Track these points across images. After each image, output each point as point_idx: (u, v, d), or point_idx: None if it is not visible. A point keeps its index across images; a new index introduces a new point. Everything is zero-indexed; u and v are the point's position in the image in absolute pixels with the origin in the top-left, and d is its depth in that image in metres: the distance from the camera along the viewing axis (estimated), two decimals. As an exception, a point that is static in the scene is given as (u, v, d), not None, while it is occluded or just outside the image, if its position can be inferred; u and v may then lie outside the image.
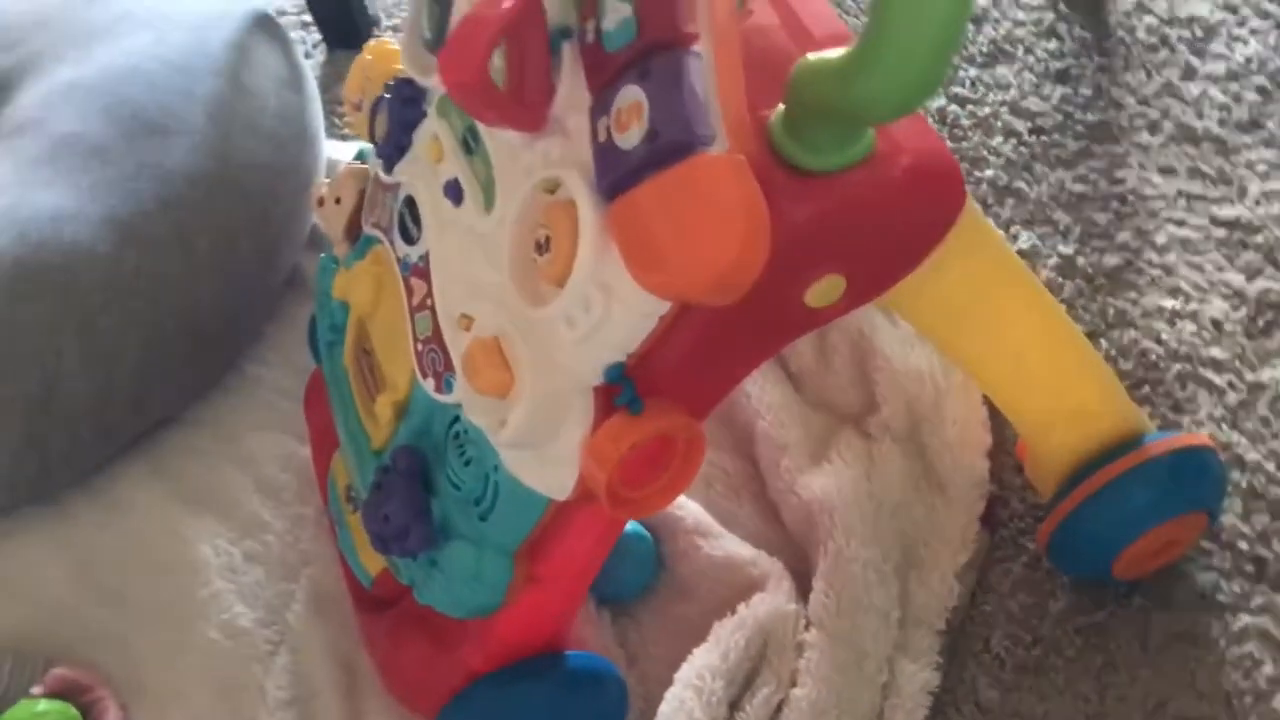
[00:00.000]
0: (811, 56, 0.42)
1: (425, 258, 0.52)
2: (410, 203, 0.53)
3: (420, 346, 0.52)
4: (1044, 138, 0.82)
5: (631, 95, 0.41)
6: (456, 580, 0.52)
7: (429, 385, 0.52)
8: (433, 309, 0.51)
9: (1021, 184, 0.80)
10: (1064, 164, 0.81)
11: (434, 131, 0.52)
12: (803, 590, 0.63)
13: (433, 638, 0.58)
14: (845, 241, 0.45)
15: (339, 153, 0.86)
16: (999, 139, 0.82)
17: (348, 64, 0.97)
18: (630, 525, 0.64)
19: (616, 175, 0.42)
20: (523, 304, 0.46)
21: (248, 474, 0.74)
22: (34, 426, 0.70)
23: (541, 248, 0.45)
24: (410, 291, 0.53)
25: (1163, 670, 0.61)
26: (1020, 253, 0.76)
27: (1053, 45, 0.87)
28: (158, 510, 0.72)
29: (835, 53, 0.40)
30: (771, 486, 0.67)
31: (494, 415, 0.48)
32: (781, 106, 0.44)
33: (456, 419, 0.52)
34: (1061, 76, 0.85)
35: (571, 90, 0.45)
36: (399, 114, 0.54)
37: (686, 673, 0.59)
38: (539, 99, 0.45)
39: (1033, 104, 0.84)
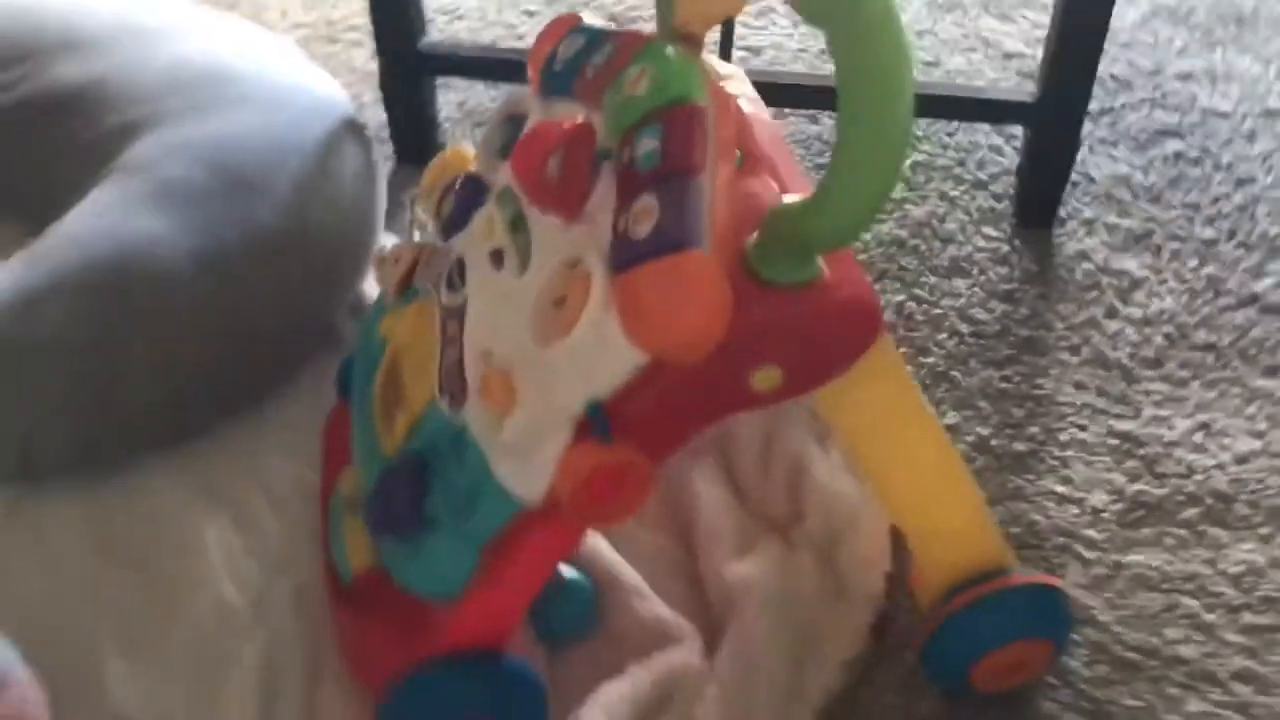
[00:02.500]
0: (784, 199, 0.57)
1: (463, 306, 0.66)
2: (460, 264, 0.67)
3: (445, 373, 0.65)
4: (982, 341, 0.97)
5: (648, 201, 0.56)
6: (432, 563, 0.64)
7: (444, 403, 0.65)
8: (460, 345, 0.65)
9: (957, 374, 0.94)
10: (994, 365, 0.95)
11: (489, 215, 0.67)
12: (710, 657, 0.74)
13: (394, 624, 0.69)
14: (786, 340, 0.59)
15: (389, 241, 1.01)
16: (944, 335, 0.97)
17: (411, 174, 1.14)
18: (575, 573, 0.75)
19: (626, 257, 0.56)
20: (535, 345, 0.60)
21: (260, 485, 0.85)
22: (90, 409, 0.83)
23: (558, 304, 0.59)
24: (445, 330, 0.66)
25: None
26: (946, 427, 0.90)
27: (1003, 270, 1.03)
28: (177, 502, 0.84)
29: (798, 198, 0.55)
30: (703, 567, 0.79)
31: (495, 427, 0.60)
32: (756, 235, 0.59)
33: (459, 436, 0.64)
34: (1006, 296, 1.01)
35: (604, 195, 0.60)
36: (465, 200, 0.69)
37: (599, 697, 0.70)
38: (579, 196, 0.60)
39: (978, 313, 0.99)
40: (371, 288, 0.98)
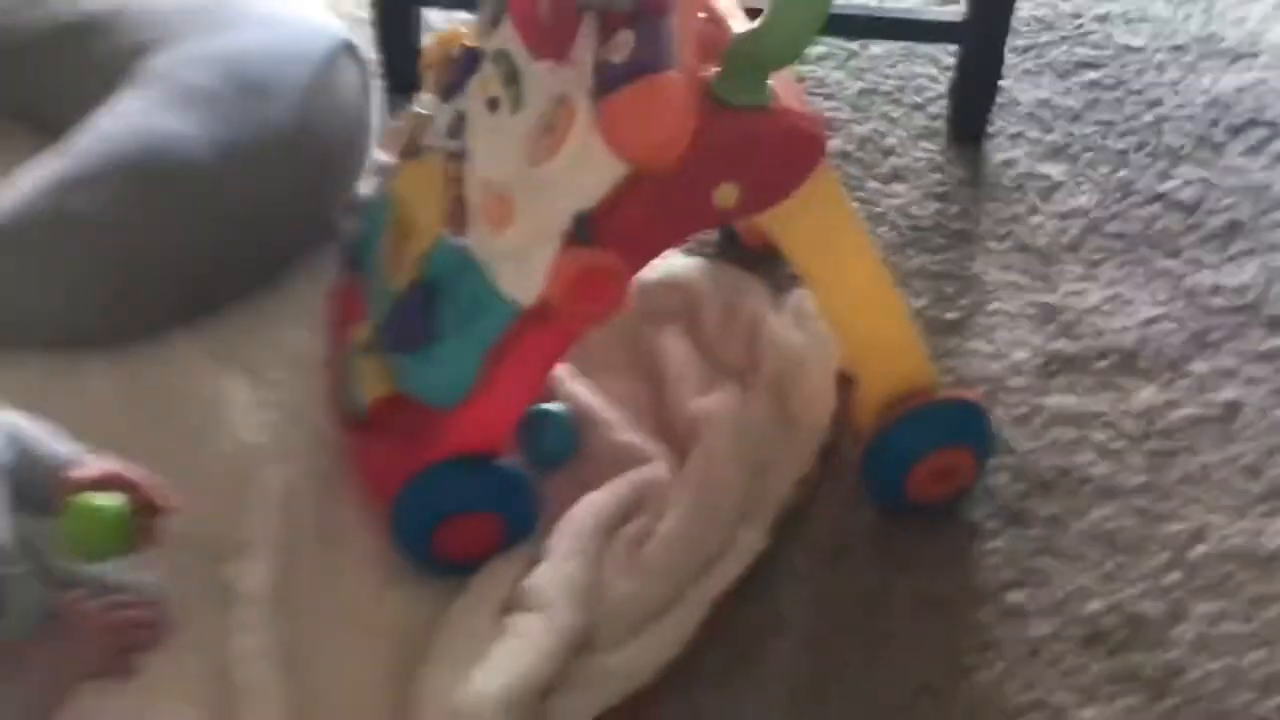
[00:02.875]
0: (743, 30, 0.68)
1: (463, 150, 0.76)
2: (459, 117, 0.78)
3: (450, 207, 0.76)
4: (918, 233, 1.08)
5: (626, 35, 0.67)
6: (440, 369, 0.74)
7: (449, 234, 0.75)
8: (462, 181, 0.75)
9: (896, 260, 1.05)
10: (929, 251, 1.07)
11: (484, 73, 0.77)
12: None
13: (403, 437, 0.79)
14: (743, 158, 0.70)
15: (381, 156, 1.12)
16: (885, 229, 1.09)
17: (397, 102, 1.23)
18: (560, 407, 0.86)
19: (607, 80, 0.67)
20: (529, 167, 0.70)
21: (274, 349, 0.94)
22: (123, 286, 0.92)
23: (548, 131, 0.70)
24: (448, 172, 0.77)
25: (936, 566, 0.82)
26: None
27: (938, 176, 1.15)
28: (200, 363, 0.93)
29: (754, 25, 0.67)
30: (669, 405, 0.89)
31: (494, 240, 0.71)
32: (718, 68, 0.70)
33: (463, 258, 0.75)
34: (940, 197, 1.12)
35: (586, 41, 0.71)
36: (463, 67, 0.80)
37: (583, 503, 0.81)
38: (567, 37, 0.71)
39: (915, 210, 1.11)
40: (366, 192, 1.08)
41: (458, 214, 0.75)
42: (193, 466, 0.86)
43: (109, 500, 0.74)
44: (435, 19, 1.33)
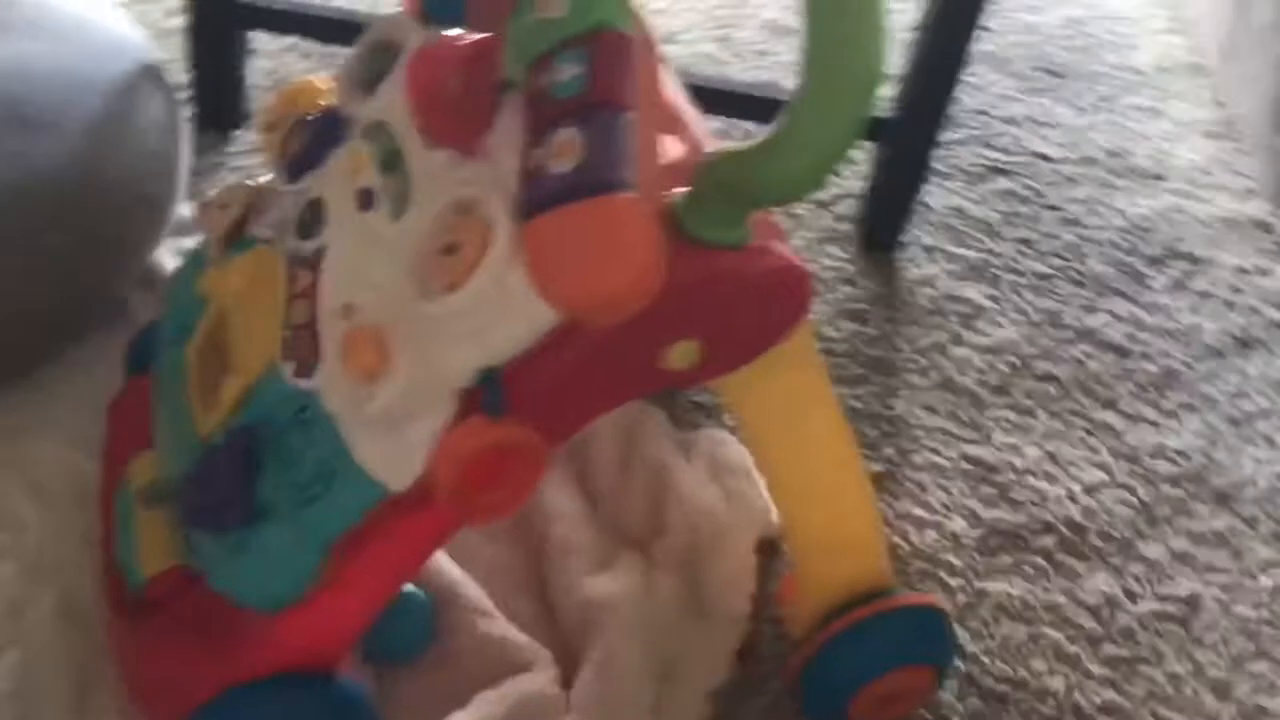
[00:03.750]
0: (727, 146, 0.50)
1: (319, 252, 0.55)
2: (314, 206, 0.57)
3: (290, 333, 0.55)
4: (832, 359, 0.93)
5: (571, 134, 0.48)
6: (262, 563, 0.53)
7: (288, 370, 0.54)
8: (313, 298, 0.54)
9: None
10: (846, 383, 0.91)
11: (354, 151, 0.57)
12: (566, 683, 0.65)
13: (197, 641, 0.57)
14: (710, 309, 0.52)
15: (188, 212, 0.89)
16: (796, 351, 0.93)
17: (211, 142, 1.01)
18: (409, 587, 0.65)
19: (541, 196, 0.47)
20: (416, 299, 0.50)
21: (20, 473, 0.71)
22: None
23: (447, 252, 0.50)
24: (294, 280, 0.56)
25: (875, 814, 0.66)
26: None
27: (849, 290, 1.00)
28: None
29: (748, 143, 0.49)
30: (554, 585, 0.70)
31: (358, 397, 0.50)
32: (682, 190, 0.52)
33: (304, 409, 0.54)
34: (854, 316, 0.97)
35: (506, 130, 0.51)
36: (321, 134, 0.59)
37: (446, 728, 0.60)
38: (480, 125, 0.51)
39: (828, 331, 0.95)
40: (167, 260, 0.85)
41: (303, 344, 0.54)
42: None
43: None
44: (264, 43, 1.11)
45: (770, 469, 0.64)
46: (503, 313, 0.49)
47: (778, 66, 1.24)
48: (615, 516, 0.74)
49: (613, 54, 0.49)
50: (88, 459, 0.72)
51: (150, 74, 0.86)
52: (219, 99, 1.00)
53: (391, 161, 0.55)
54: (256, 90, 1.07)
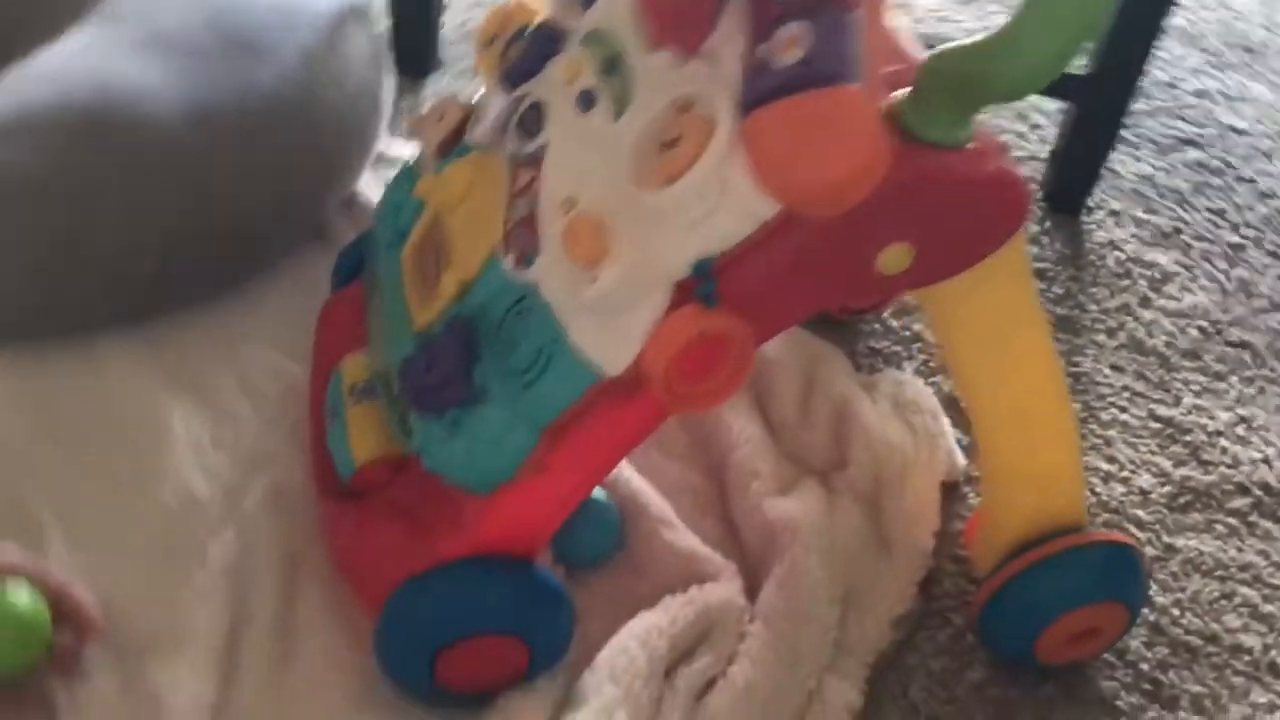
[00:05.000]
0: (953, 43, 0.50)
1: (540, 150, 0.57)
2: (535, 109, 0.59)
3: (511, 228, 0.57)
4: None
5: (796, 29, 0.48)
6: (478, 443, 0.55)
7: (508, 262, 0.56)
8: (534, 194, 0.56)
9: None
10: (1030, 338, 0.90)
11: (573, 58, 0.58)
12: (751, 597, 0.66)
13: (404, 523, 0.60)
14: (927, 210, 0.52)
15: (394, 149, 0.92)
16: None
17: (411, 88, 1.05)
18: (599, 493, 0.67)
19: (766, 88, 0.48)
20: (635, 189, 0.52)
21: (234, 374, 0.75)
22: (52, 262, 0.72)
23: (668, 146, 0.51)
24: (516, 178, 0.58)
25: (1059, 754, 0.65)
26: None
27: (1035, 250, 0.98)
28: (138, 382, 0.73)
29: (979, 38, 0.49)
30: (736, 506, 0.71)
31: (578, 282, 0.52)
32: (905, 89, 0.52)
33: (521, 299, 0.56)
34: (1039, 275, 0.96)
35: (730, 28, 0.52)
36: (540, 46, 0.61)
37: (633, 627, 0.62)
38: (703, 25, 0.52)
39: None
40: (369, 188, 0.89)
41: (524, 237, 0.56)
42: (119, 521, 0.66)
43: (20, 594, 0.55)
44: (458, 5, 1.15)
45: (971, 388, 0.63)
46: (722, 204, 0.50)
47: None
48: (796, 446, 0.75)
49: (839, -46, 0.50)
50: (295, 362, 0.75)
51: (357, 13, 0.89)
52: (416, 44, 1.04)
53: (612, 65, 0.56)
54: (448, 41, 1.11)
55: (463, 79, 1.07)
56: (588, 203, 0.53)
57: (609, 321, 0.52)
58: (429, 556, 0.58)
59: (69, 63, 0.77)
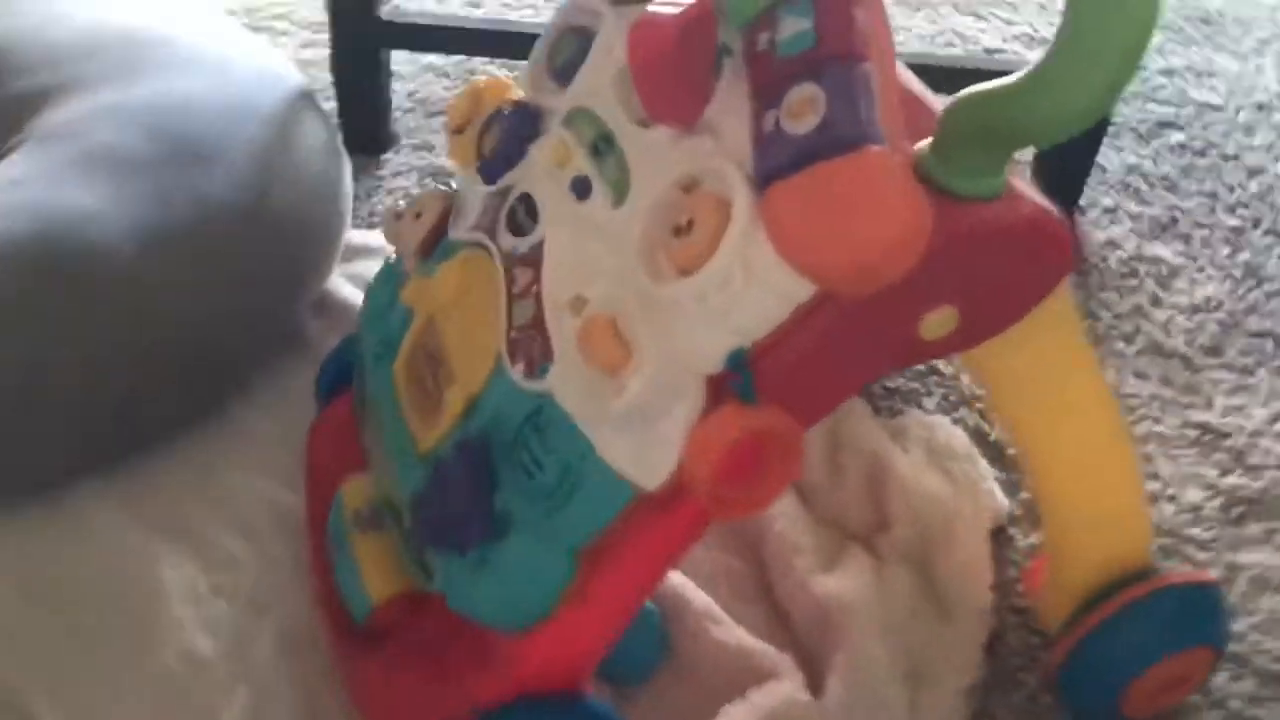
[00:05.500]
0: (976, 86, 0.46)
1: (537, 247, 0.52)
2: (525, 201, 0.54)
3: (515, 334, 0.52)
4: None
5: (807, 91, 0.44)
6: (509, 580, 0.50)
7: (517, 372, 0.51)
8: (537, 296, 0.51)
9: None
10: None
11: (558, 140, 0.54)
12: (811, 683, 0.61)
13: (434, 667, 0.55)
14: (968, 270, 0.47)
15: (362, 239, 0.87)
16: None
17: (361, 166, 1.00)
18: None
19: (782, 159, 0.44)
20: (649, 283, 0.47)
21: (223, 510, 0.69)
22: (6, 408, 0.66)
23: (680, 233, 0.47)
24: (513, 280, 0.53)
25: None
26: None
27: (1035, 260, 0.95)
28: (122, 534, 0.67)
29: (1008, 80, 0.44)
30: (781, 587, 0.66)
31: (602, 392, 0.47)
32: (927, 141, 0.47)
33: (538, 411, 0.51)
34: (1044, 286, 0.92)
35: (729, 97, 0.48)
36: (517, 129, 0.56)
37: (698, 746, 0.57)
38: (700, 98, 0.48)
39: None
40: (341, 287, 0.83)
41: (531, 344, 0.51)
42: (118, 692, 0.61)
43: None
44: (402, 66, 1.10)
45: (1026, 439, 0.59)
46: (751, 290, 0.45)
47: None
48: (831, 511, 0.70)
49: (838, 2, 0.46)
50: (287, 489, 0.70)
51: (305, 100, 0.84)
52: (367, 122, 0.99)
53: (602, 146, 0.52)
54: (400, 112, 1.06)
55: (420, 153, 1.02)
56: (599, 302, 0.48)
57: (640, 431, 0.47)
58: (465, 703, 0.53)
59: (4, 194, 0.71)
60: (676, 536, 0.50)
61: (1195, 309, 0.91)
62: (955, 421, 0.78)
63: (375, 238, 0.90)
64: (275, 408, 0.75)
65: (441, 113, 1.08)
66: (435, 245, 0.60)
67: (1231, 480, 0.78)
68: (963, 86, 0.47)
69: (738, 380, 0.46)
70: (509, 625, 0.51)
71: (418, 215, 0.60)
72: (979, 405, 0.81)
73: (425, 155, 1.02)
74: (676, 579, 0.65)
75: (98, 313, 0.68)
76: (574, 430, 0.49)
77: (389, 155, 1.03)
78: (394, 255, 0.65)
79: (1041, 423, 0.56)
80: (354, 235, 0.87)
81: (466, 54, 1.01)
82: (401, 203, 0.63)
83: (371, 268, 0.86)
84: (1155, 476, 0.78)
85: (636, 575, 0.50)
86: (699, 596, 0.64)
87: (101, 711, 0.60)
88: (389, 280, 0.63)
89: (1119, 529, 0.59)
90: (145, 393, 0.70)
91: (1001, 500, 0.72)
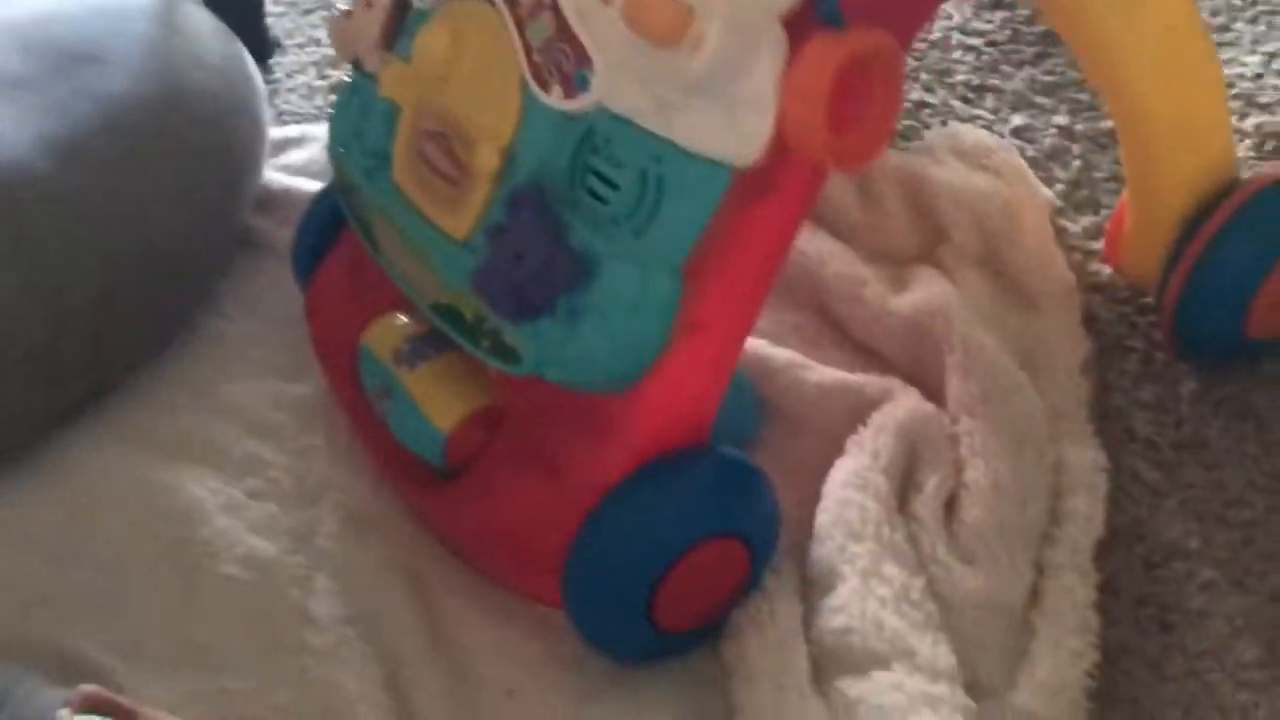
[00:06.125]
0: None
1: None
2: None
3: (538, 57, 0.45)
4: (1001, 48, 0.83)
5: None
6: (615, 318, 0.43)
7: (555, 95, 0.44)
8: (552, 5, 0.44)
9: (996, 81, 0.80)
10: (1028, 64, 0.82)
11: None
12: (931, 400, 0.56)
13: (541, 466, 0.48)
14: None
15: (282, 133, 0.79)
16: (958, 53, 0.83)
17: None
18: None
19: None
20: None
21: (232, 420, 0.61)
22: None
23: None
24: (515, 2, 0.46)
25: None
26: (1016, 129, 0.76)
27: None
28: (133, 470, 0.58)
29: None
30: (857, 324, 0.61)
31: (667, 71, 0.41)
32: None
33: (589, 132, 0.44)
34: (997, 4, 0.88)
35: None
36: None
37: (839, 479, 0.51)
38: None
39: (980, 25, 0.86)
40: (278, 180, 0.75)
41: (562, 57, 0.44)
42: (192, 632, 0.52)
43: None
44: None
45: (1106, 48, 0.53)
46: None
47: None
48: (881, 244, 0.65)
49: None
50: (292, 380, 0.63)
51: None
52: (241, 27, 0.89)
53: None
54: (272, 19, 0.97)
55: (309, 49, 0.94)
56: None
57: (725, 99, 0.41)
58: (588, 491, 0.46)
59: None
60: (788, 214, 0.44)
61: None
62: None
63: (295, 129, 0.82)
64: (249, 309, 0.67)
65: (314, 9, 1.00)
66: (396, 31, 0.52)
67: (1252, 121, 0.75)
68: None
69: (819, 6, 0.40)
70: (623, 378, 0.45)
71: (369, 4, 0.53)
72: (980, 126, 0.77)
73: (314, 49, 0.94)
74: (748, 341, 0.59)
75: (32, 239, 0.59)
76: (641, 133, 0.43)
77: (276, 59, 0.95)
78: (346, 74, 0.57)
79: (1120, 24, 0.51)
80: (274, 131, 0.79)
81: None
82: (342, 5, 0.55)
83: (300, 156, 0.80)
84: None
85: (750, 276, 0.44)
86: (780, 351, 0.58)
87: (164, 641, 0.52)
88: (353, 94, 0.55)
89: (1207, 137, 0.55)
90: (109, 312, 0.61)
91: (1045, 190, 0.67)
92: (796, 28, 0.41)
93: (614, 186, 0.43)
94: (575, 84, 0.44)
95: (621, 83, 0.43)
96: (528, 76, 0.45)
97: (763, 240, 0.44)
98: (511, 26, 0.46)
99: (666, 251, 0.43)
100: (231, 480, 0.58)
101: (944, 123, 0.77)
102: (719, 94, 0.41)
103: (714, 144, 0.42)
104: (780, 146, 0.41)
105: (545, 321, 0.44)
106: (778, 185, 0.42)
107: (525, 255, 0.43)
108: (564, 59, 0.44)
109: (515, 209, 0.45)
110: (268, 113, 0.74)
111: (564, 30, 0.44)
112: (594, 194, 0.44)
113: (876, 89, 0.41)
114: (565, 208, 0.45)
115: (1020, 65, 0.82)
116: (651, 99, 0.42)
